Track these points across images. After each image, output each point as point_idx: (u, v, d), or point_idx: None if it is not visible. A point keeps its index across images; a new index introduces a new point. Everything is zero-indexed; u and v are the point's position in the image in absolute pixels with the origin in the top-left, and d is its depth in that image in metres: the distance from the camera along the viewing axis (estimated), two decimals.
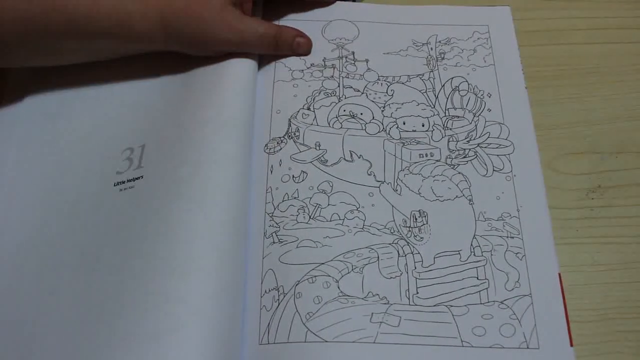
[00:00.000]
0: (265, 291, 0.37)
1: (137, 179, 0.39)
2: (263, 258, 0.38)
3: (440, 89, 0.45)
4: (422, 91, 0.45)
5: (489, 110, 0.43)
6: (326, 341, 0.35)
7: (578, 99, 0.44)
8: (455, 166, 0.41)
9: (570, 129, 0.43)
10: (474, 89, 0.44)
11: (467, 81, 0.45)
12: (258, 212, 0.40)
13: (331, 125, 0.43)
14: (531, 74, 0.45)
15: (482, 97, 0.44)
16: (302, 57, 0.46)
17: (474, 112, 0.44)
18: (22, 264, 0.37)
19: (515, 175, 0.41)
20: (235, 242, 0.36)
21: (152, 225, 0.36)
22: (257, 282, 0.38)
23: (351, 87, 0.44)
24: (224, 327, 0.33)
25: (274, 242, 0.39)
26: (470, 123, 0.43)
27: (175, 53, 0.43)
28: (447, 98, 0.44)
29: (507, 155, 0.41)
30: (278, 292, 0.37)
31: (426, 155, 0.41)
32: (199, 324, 0.32)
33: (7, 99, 0.44)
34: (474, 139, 0.42)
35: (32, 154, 0.42)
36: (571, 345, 0.35)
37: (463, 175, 0.41)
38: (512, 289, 0.37)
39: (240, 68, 0.42)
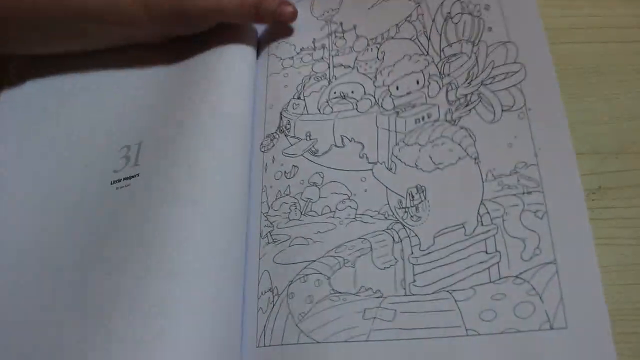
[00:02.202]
0: (262, 293, 0.37)
1: (133, 177, 0.38)
2: (259, 259, 0.38)
3: (432, 25, 0.41)
4: (412, 38, 0.42)
5: (490, 29, 0.39)
6: (318, 342, 0.34)
7: (578, 99, 0.43)
8: (457, 121, 0.37)
9: (570, 129, 0.42)
10: (467, 6, 0.41)
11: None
12: (255, 213, 0.39)
13: (321, 111, 0.42)
14: None
15: (478, 14, 0.40)
16: (292, 43, 0.44)
17: (472, 40, 0.39)
18: (21, 263, 0.37)
19: (530, 109, 0.36)
20: (235, 244, 0.36)
21: (149, 226, 0.35)
22: (254, 284, 0.37)
23: (341, 65, 0.43)
24: (223, 331, 0.33)
25: (269, 243, 0.38)
26: (470, 57, 0.39)
27: (171, 46, 0.42)
28: (440, 34, 0.41)
29: (518, 85, 0.36)
30: (272, 293, 0.36)
31: (423, 118, 0.38)
32: (198, 328, 0.31)
33: (6, 97, 0.45)
34: (476, 77, 0.38)
35: (31, 153, 0.42)
36: None
37: (466, 129, 0.37)
38: (531, 258, 0.32)
39: (238, 64, 0.42)
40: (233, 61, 0.42)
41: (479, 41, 0.39)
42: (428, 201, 0.36)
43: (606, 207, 0.39)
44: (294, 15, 0.44)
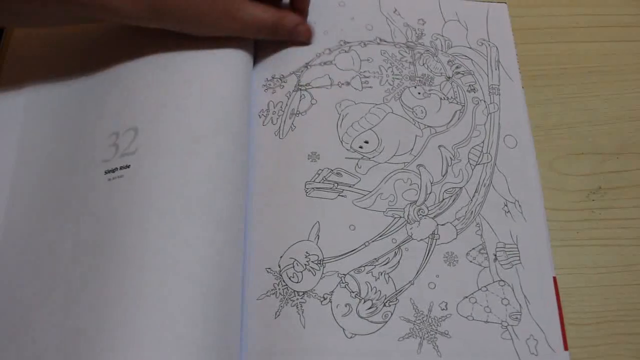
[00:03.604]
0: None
1: (124, 167, 0.37)
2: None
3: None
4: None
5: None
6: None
7: (579, 99, 0.43)
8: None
9: (571, 129, 0.42)
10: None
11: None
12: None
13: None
14: (532, 73, 0.44)
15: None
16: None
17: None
18: (8, 258, 0.36)
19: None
20: (233, 245, 0.35)
21: (142, 225, 0.34)
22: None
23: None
24: (221, 335, 0.32)
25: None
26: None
27: (176, 40, 0.41)
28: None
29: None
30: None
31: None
32: (194, 333, 0.31)
33: (3, 93, 0.43)
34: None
35: (19, 142, 0.40)
36: (565, 349, 0.35)
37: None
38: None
39: (239, 67, 0.41)
40: (230, 56, 0.41)
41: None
42: None
43: (606, 207, 0.40)
44: (309, 35, 0.44)
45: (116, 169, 0.37)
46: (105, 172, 0.37)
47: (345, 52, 0.45)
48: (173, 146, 0.37)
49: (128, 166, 0.37)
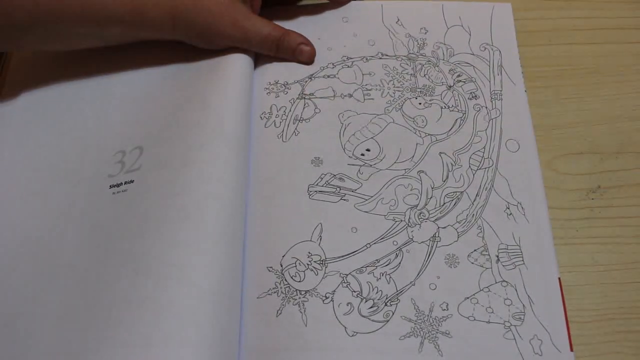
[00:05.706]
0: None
1: (129, 182, 0.39)
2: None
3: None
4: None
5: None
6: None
7: (578, 99, 0.44)
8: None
9: (570, 129, 0.43)
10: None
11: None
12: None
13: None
14: (531, 74, 0.45)
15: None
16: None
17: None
18: (12, 265, 0.37)
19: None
20: (232, 246, 0.36)
21: (144, 232, 0.36)
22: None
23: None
24: (219, 335, 0.33)
25: None
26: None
27: (176, 51, 0.43)
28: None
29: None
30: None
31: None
32: (193, 332, 0.32)
33: (3, 97, 0.45)
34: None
35: (26, 153, 0.42)
36: (571, 350, 0.35)
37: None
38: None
39: (238, 73, 0.43)
40: (232, 70, 0.43)
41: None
42: None
43: (605, 206, 0.40)
44: (312, 55, 0.46)
45: (121, 184, 0.39)
46: (110, 186, 0.39)
47: (348, 67, 0.46)
48: (173, 158, 0.39)
49: (132, 181, 0.39)
